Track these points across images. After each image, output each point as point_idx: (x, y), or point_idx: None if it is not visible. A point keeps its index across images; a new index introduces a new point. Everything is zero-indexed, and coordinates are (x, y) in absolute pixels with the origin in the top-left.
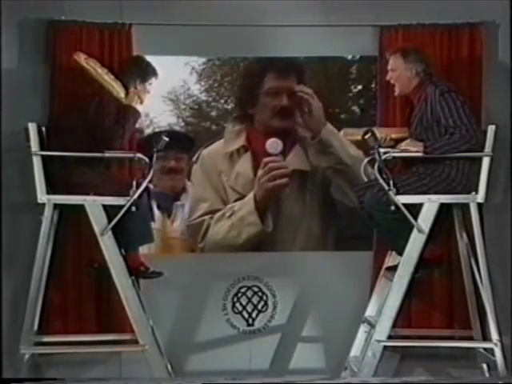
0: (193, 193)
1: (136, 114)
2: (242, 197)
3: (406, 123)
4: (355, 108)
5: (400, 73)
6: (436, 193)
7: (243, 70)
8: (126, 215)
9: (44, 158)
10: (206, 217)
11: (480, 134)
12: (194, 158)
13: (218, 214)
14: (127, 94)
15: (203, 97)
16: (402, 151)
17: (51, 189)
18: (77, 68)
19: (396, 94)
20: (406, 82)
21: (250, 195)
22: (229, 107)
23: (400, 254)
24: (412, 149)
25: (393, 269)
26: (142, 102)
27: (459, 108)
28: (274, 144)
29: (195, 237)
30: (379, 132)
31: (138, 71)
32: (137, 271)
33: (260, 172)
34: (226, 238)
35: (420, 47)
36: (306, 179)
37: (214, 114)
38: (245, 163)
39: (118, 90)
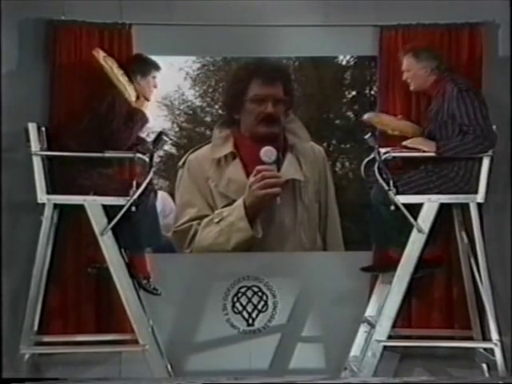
0: (179, 198)
1: (144, 119)
2: (229, 203)
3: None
4: (350, 113)
5: (414, 72)
6: (441, 192)
7: (230, 75)
8: (133, 216)
9: (48, 158)
10: (194, 222)
11: (495, 137)
12: (181, 163)
13: (205, 220)
14: (138, 98)
15: (198, 102)
16: (410, 150)
17: (54, 189)
18: (76, 68)
19: (411, 89)
20: (421, 81)
21: (240, 201)
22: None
23: (401, 250)
24: (424, 148)
25: (367, 270)
26: (148, 99)
27: (476, 108)
28: (268, 152)
29: (182, 243)
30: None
31: (136, 67)
32: (137, 278)
33: (252, 179)
34: (214, 244)
35: (431, 45)
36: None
37: (208, 119)
38: (236, 169)
39: (130, 92)
